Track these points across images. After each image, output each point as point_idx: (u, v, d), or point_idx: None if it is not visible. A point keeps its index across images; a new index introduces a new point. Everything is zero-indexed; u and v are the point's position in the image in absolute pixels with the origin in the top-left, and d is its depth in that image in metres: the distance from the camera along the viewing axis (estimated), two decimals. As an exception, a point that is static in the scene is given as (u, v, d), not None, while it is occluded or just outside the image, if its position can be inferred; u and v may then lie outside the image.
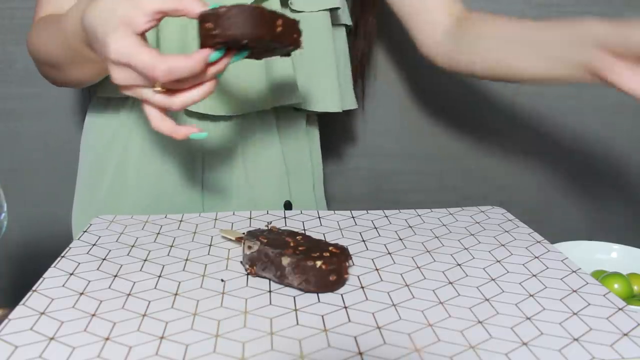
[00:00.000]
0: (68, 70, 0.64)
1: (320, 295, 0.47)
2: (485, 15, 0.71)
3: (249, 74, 0.72)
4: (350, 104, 0.81)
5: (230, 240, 0.58)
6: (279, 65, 0.70)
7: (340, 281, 0.48)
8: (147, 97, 0.51)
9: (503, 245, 0.58)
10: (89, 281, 0.49)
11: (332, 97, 0.75)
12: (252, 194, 0.76)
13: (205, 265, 0.53)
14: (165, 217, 0.66)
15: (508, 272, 0.52)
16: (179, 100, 0.50)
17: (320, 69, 0.75)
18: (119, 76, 0.49)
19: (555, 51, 0.59)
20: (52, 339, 0.40)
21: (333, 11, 0.74)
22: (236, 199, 0.76)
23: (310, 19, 0.72)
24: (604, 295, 0.47)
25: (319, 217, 0.66)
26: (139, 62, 0.47)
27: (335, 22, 0.76)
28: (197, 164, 0.74)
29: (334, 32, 0.76)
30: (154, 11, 0.48)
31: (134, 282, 0.49)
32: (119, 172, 0.74)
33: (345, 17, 0.79)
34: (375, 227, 0.63)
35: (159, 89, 0.49)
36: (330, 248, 0.49)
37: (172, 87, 0.49)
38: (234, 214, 0.66)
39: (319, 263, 0.46)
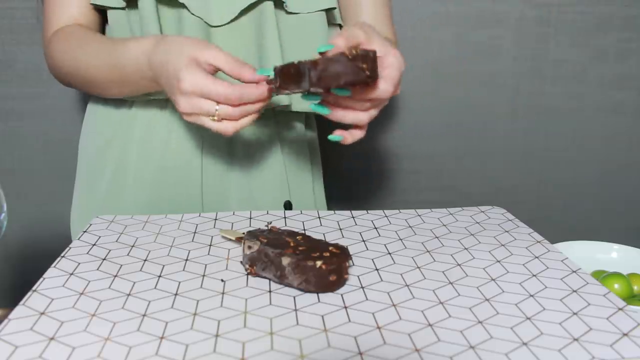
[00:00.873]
0: (107, 89, 0.70)
1: (320, 295, 0.47)
2: None
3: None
4: None
5: (230, 240, 0.58)
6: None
7: (340, 281, 0.48)
8: (207, 124, 0.58)
9: (503, 245, 0.58)
10: (89, 281, 0.49)
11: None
12: (252, 194, 0.76)
13: (205, 265, 0.53)
14: (165, 217, 0.66)
15: (508, 272, 0.52)
16: (232, 126, 0.58)
17: None
18: (186, 105, 0.57)
19: None
20: (52, 339, 0.40)
21: (329, 11, 0.74)
22: (236, 199, 0.76)
23: (306, 20, 0.72)
24: (604, 295, 0.47)
25: (319, 217, 0.66)
26: (214, 92, 0.55)
27: (331, 22, 0.76)
28: (196, 163, 0.74)
29: (329, 32, 0.76)
30: (211, 62, 0.57)
31: (134, 282, 0.49)
32: (117, 172, 0.74)
33: (340, 17, 0.78)
34: (375, 227, 0.63)
35: (215, 118, 0.57)
36: (330, 248, 0.49)
37: (226, 117, 0.57)
38: (234, 214, 0.66)
39: (319, 263, 0.46)
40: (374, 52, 0.52)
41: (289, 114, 0.78)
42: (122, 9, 0.71)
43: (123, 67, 0.65)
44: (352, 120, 0.59)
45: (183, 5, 0.69)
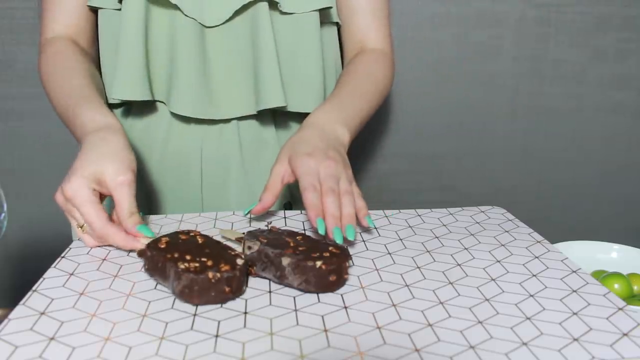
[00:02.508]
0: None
1: (320, 295, 0.47)
2: (345, 71, 0.77)
3: (235, 79, 0.72)
4: None
5: (230, 240, 0.58)
6: (266, 70, 0.70)
7: (340, 281, 0.48)
8: (73, 225, 0.57)
9: (503, 245, 0.58)
10: (89, 281, 0.49)
11: (316, 98, 0.75)
12: (252, 195, 0.76)
13: (205, 265, 0.53)
14: (166, 217, 0.66)
15: (508, 272, 0.52)
16: (92, 243, 0.56)
17: (308, 70, 0.74)
18: (61, 200, 0.56)
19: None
20: (52, 339, 0.40)
21: (324, 10, 0.74)
22: (235, 200, 0.76)
23: (300, 20, 0.72)
24: (604, 295, 0.47)
25: (319, 217, 0.66)
26: (85, 214, 0.54)
27: (326, 21, 0.76)
28: (196, 164, 0.74)
29: (325, 31, 0.76)
30: (109, 192, 0.56)
31: (134, 283, 0.49)
32: None
33: (336, 15, 0.78)
34: (375, 227, 0.63)
35: (80, 228, 0.56)
36: (330, 248, 0.49)
37: (89, 234, 0.56)
38: (234, 213, 0.66)
39: (318, 263, 0.46)
40: (241, 268, 0.47)
41: (288, 114, 0.78)
42: (118, 9, 0.71)
43: (72, 124, 0.65)
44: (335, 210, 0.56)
45: (176, 7, 0.69)
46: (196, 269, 0.46)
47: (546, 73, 1.18)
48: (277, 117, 0.77)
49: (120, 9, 0.70)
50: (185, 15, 0.69)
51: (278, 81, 0.70)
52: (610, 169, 1.25)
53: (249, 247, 0.51)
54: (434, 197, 1.23)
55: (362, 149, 1.19)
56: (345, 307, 0.45)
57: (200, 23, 0.69)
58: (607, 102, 1.21)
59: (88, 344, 0.40)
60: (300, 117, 0.79)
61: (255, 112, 0.73)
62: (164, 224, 0.63)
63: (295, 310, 0.45)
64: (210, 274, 0.45)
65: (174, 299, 0.47)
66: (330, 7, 0.74)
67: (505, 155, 1.22)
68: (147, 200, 0.74)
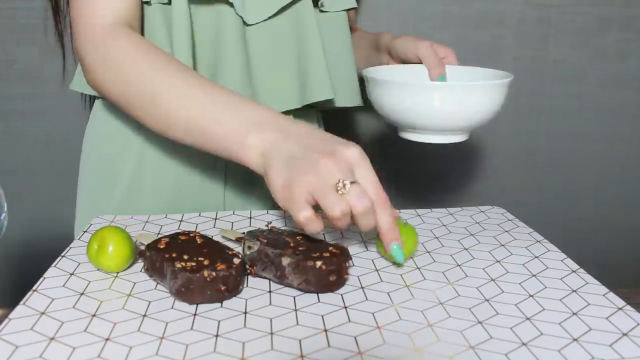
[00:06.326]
0: (160, 118, 0.57)
1: (320, 295, 0.47)
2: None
3: (278, 76, 0.72)
4: (358, 101, 0.81)
5: (230, 240, 0.58)
6: (315, 63, 0.71)
7: (340, 281, 0.48)
8: (328, 196, 0.47)
9: (503, 245, 0.58)
10: (90, 281, 0.49)
11: (352, 92, 0.77)
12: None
13: (206, 265, 0.53)
14: (165, 217, 0.66)
15: (508, 272, 0.52)
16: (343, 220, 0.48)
17: (343, 66, 0.76)
18: (329, 164, 0.48)
19: (365, 52, 0.84)
20: (52, 339, 0.41)
21: (349, 11, 0.76)
22: (256, 199, 0.75)
23: (335, 18, 0.74)
24: (603, 295, 0.47)
25: (319, 217, 0.66)
26: (371, 175, 0.49)
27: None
28: (220, 163, 0.73)
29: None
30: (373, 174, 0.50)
31: (135, 283, 0.49)
32: (135, 176, 0.72)
33: (353, 20, 0.81)
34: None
35: (344, 189, 0.48)
36: (330, 248, 0.50)
37: (355, 198, 0.47)
38: (234, 213, 0.67)
39: (319, 263, 0.47)
40: (237, 267, 0.47)
41: (305, 112, 0.77)
42: (166, 3, 0.67)
43: (217, 107, 0.55)
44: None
45: (226, 2, 0.67)
46: (192, 268, 0.46)
47: (547, 73, 1.18)
48: (293, 114, 0.75)
49: (169, 2, 0.66)
50: (236, 13, 0.67)
51: (326, 74, 0.71)
52: (611, 169, 1.25)
53: (249, 247, 0.51)
54: (434, 197, 1.23)
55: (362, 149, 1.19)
56: (345, 307, 0.45)
57: (242, 20, 0.69)
58: (608, 102, 1.21)
59: (88, 344, 0.40)
60: (315, 114, 0.80)
61: (299, 107, 0.73)
62: (164, 224, 0.63)
63: (295, 310, 0.45)
64: (206, 273, 0.45)
65: (174, 299, 0.47)
66: (356, 8, 0.76)
67: (505, 156, 1.22)
68: (166, 201, 0.73)
